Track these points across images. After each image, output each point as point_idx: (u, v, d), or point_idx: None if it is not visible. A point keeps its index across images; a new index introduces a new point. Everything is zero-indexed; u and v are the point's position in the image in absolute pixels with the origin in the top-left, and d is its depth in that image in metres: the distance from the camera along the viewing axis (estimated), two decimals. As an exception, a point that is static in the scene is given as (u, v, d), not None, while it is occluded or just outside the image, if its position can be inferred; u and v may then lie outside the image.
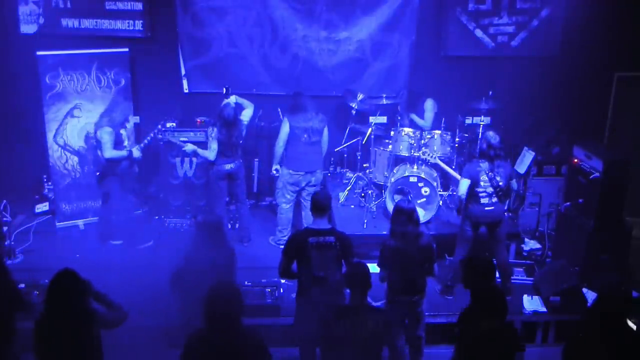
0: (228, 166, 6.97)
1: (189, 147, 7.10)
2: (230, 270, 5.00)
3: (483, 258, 4.58)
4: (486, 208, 5.98)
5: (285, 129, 6.84)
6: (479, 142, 7.25)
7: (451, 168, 7.20)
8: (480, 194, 5.97)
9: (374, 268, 6.40)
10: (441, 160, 7.09)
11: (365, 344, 4.02)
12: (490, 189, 5.95)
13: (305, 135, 6.81)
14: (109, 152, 6.75)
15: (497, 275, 6.38)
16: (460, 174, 6.42)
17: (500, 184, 5.94)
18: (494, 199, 5.98)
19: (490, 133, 6.04)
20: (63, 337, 3.70)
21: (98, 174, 7.03)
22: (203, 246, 4.97)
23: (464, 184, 6.00)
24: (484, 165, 5.95)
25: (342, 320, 4.05)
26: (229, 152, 6.92)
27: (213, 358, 3.56)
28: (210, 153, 6.91)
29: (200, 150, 7.04)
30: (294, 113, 6.88)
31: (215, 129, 6.86)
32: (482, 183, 5.96)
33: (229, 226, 7.53)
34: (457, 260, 6.20)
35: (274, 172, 7.15)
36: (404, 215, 4.96)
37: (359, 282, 4.17)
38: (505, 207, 6.25)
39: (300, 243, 4.77)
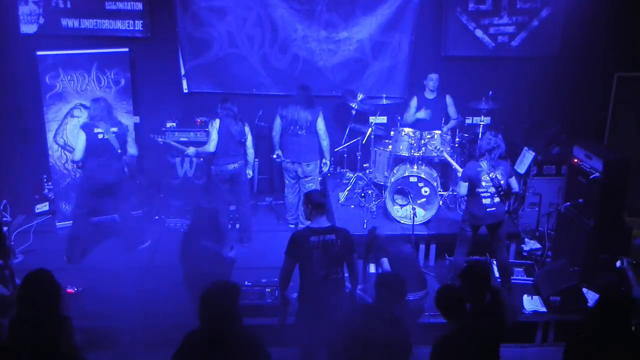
0: (231, 166, 6.97)
1: (191, 150, 7.10)
2: (220, 263, 4.92)
3: (479, 267, 4.54)
4: (488, 209, 5.97)
5: (277, 119, 7.32)
6: (478, 142, 7.24)
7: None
8: (482, 195, 5.96)
9: (372, 268, 6.48)
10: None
11: (379, 351, 3.98)
12: (492, 189, 5.94)
13: (292, 127, 7.19)
14: (132, 149, 6.85)
15: (497, 275, 6.42)
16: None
17: (502, 182, 5.93)
18: (496, 199, 5.97)
19: (491, 133, 6.05)
20: (33, 339, 3.56)
21: (138, 182, 7.18)
22: (196, 232, 4.95)
23: (464, 187, 6.00)
24: (484, 164, 5.95)
25: (361, 321, 4.07)
26: (232, 150, 6.93)
27: (208, 356, 3.53)
28: (210, 144, 6.87)
29: (201, 149, 7.04)
30: (285, 105, 7.24)
31: (218, 120, 6.88)
32: (483, 183, 5.94)
33: (229, 227, 7.51)
34: (457, 261, 6.20)
35: (275, 157, 7.48)
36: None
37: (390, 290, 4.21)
38: (506, 208, 6.23)
39: (302, 243, 4.76)
